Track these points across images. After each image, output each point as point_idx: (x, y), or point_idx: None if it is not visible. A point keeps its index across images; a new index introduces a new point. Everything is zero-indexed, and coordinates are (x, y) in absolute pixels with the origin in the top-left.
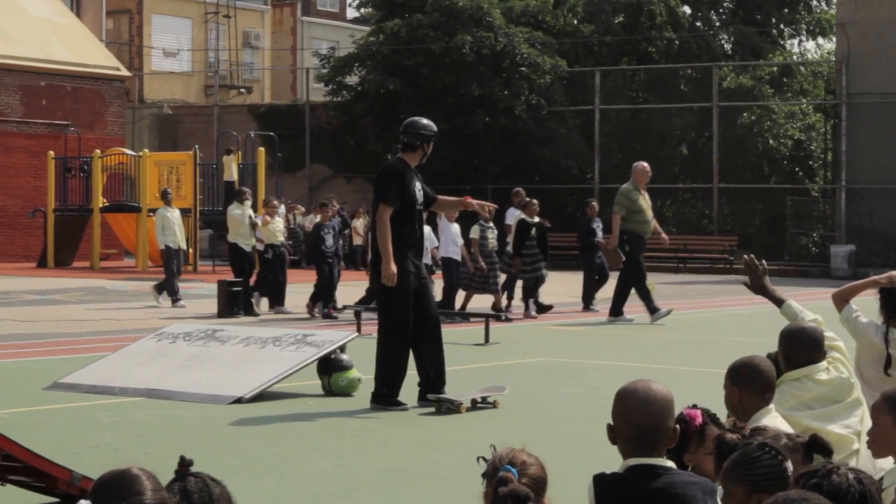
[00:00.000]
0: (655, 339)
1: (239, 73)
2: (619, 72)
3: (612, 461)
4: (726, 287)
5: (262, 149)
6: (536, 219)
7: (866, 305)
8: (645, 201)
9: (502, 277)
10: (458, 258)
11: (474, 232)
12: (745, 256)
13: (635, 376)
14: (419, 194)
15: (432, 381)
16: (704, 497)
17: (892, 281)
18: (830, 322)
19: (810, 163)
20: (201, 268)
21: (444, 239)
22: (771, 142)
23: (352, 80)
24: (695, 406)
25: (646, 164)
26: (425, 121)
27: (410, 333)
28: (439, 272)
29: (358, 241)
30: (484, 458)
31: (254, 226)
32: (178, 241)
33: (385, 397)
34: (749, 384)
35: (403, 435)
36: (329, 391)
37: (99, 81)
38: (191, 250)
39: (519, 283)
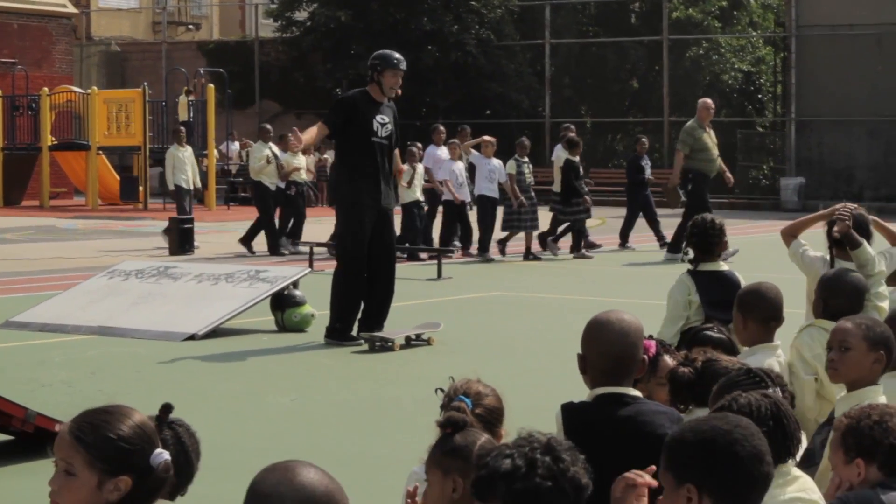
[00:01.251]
0: (610, 272)
1: (187, 9)
2: (569, 5)
3: (568, 392)
4: (676, 220)
5: (211, 86)
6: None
7: (816, 239)
8: (710, 139)
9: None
10: (493, 195)
11: (510, 167)
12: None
13: (588, 309)
14: (379, 127)
15: (373, 317)
16: (672, 426)
17: (839, 213)
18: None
19: (759, 96)
20: (151, 205)
21: (479, 175)
22: (721, 75)
23: (301, 15)
24: (650, 336)
25: (709, 101)
26: (379, 51)
27: (365, 268)
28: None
29: (309, 177)
30: (441, 390)
31: (280, 166)
32: (190, 181)
33: (338, 332)
34: (753, 311)
35: (358, 370)
36: (282, 327)
37: (46, 19)
38: (141, 188)
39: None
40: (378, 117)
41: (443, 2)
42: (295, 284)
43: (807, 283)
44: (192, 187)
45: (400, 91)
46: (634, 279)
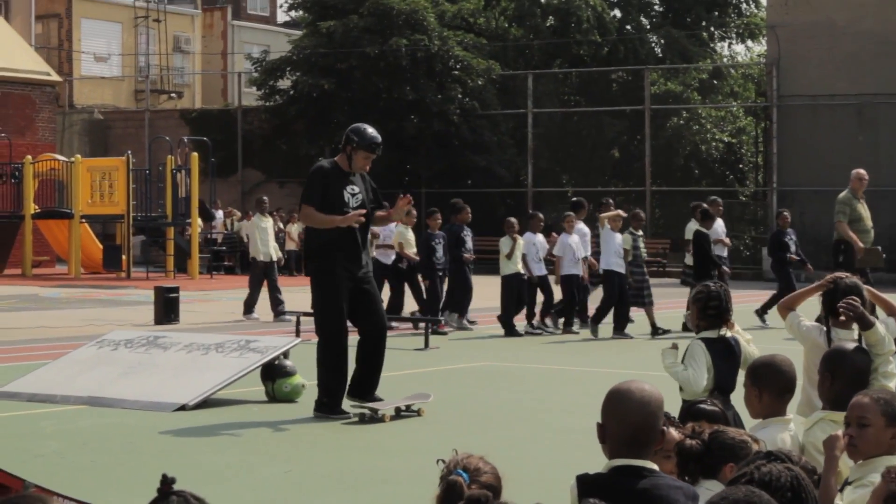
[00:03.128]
0: (597, 343)
1: (170, 77)
2: (551, 75)
3: (561, 463)
4: (661, 290)
5: (195, 154)
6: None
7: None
8: (864, 209)
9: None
10: (621, 270)
11: (626, 242)
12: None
13: (580, 379)
14: (350, 197)
15: (362, 386)
16: (687, 501)
17: (834, 282)
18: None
19: (741, 166)
20: (135, 274)
21: (606, 249)
22: (701, 146)
23: (284, 84)
24: None
25: (863, 172)
26: (359, 125)
27: (346, 340)
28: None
29: (291, 245)
30: (443, 461)
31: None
32: (270, 254)
33: (326, 406)
34: (769, 385)
35: (350, 441)
36: (273, 397)
37: (29, 87)
38: (124, 257)
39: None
40: (348, 188)
41: (426, 71)
42: (285, 354)
43: (804, 355)
44: (275, 258)
45: (368, 168)
46: (633, 349)
